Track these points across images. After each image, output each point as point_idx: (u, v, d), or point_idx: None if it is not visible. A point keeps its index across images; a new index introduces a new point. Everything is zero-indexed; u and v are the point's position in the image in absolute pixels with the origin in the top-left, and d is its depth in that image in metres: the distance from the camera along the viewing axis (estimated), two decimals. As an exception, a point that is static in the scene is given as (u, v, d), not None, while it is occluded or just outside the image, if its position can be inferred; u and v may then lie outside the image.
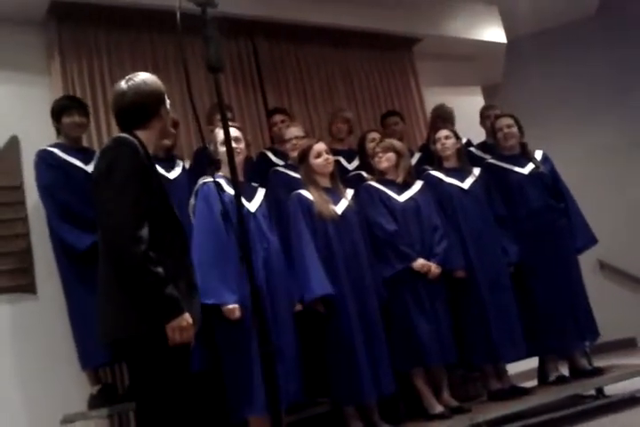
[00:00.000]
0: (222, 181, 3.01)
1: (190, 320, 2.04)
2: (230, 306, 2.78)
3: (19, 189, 3.63)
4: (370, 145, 4.15)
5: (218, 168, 3.22)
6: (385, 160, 3.73)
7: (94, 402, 3.21)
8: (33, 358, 3.47)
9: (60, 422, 3.17)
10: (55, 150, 3.43)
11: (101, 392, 3.21)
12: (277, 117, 4.31)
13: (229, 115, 3.80)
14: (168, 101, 2.30)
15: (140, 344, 2.03)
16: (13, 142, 3.70)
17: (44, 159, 3.39)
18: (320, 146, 3.43)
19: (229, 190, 2.97)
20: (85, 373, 3.27)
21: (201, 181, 3.07)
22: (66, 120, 3.45)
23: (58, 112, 3.45)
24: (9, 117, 3.75)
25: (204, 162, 3.69)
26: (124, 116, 2.23)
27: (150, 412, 2.04)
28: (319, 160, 3.39)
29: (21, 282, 3.52)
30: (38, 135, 3.73)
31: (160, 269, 1.99)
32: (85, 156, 3.40)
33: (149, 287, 1.98)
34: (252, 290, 1.84)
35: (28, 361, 3.46)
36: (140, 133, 2.20)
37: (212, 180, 2.99)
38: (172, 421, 2.04)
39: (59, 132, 3.52)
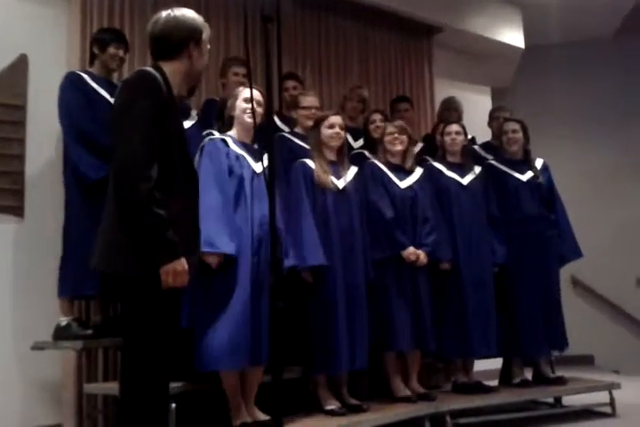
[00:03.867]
0: (229, 140, 2.95)
1: (186, 266, 2.00)
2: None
3: (22, 109, 3.49)
4: (371, 126, 4.13)
5: (229, 125, 3.16)
6: (400, 143, 3.70)
7: (59, 333, 3.13)
8: (9, 281, 3.38)
9: (31, 347, 3.11)
10: (85, 76, 3.34)
11: (69, 325, 3.13)
12: (290, 83, 4.22)
13: (243, 70, 3.72)
14: (207, 46, 2.25)
15: (133, 282, 1.99)
16: (22, 61, 3.54)
17: (72, 81, 3.29)
18: (337, 118, 3.41)
19: (235, 148, 2.93)
20: (60, 301, 3.20)
21: (207, 137, 3.00)
22: (112, 50, 3.37)
23: (106, 41, 3.37)
24: (21, 35, 3.59)
25: (212, 115, 3.62)
26: (153, 44, 2.20)
27: (136, 349, 2.01)
28: (330, 131, 3.37)
29: (10, 203, 3.39)
30: (49, 57, 3.63)
31: (162, 211, 1.94)
32: (113, 89, 3.28)
33: (149, 228, 1.94)
34: (272, 241, 1.78)
35: (4, 283, 3.37)
36: (166, 66, 2.15)
37: (218, 136, 2.92)
38: (156, 361, 2.01)
39: (92, 60, 3.44)
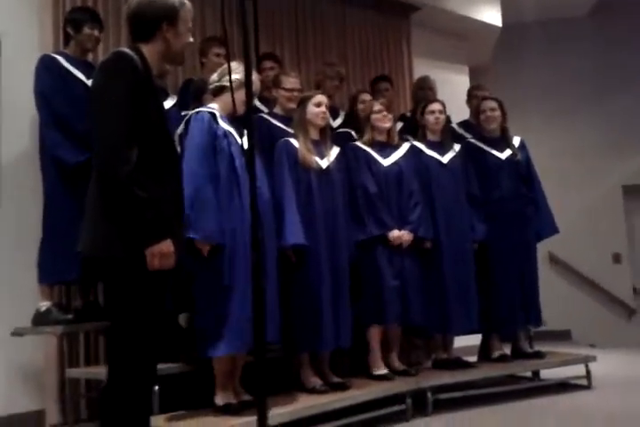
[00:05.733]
0: (217, 114, 2.92)
1: (171, 247, 1.98)
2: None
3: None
4: (360, 106, 4.11)
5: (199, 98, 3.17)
6: (388, 120, 3.72)
7: (39, 319, 3.11)
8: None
9: (11, 333, 3.08)
10: (60, 58, 3.26)
11: (49, 310, 3.11)
12: (267, 63, 4.18)
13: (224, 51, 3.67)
14: (187, 25, 2.18)
15: (118, 265, 1.98)
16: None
17: (47, 65, 3.21)
18: (323, 97, 3.43)
19: (222, 124, 2.89)
20: (39, 286, 3.17)
21: (194, 110, 2.96)
22: (87, 31, 3.30)
23: (80, 21, 3.29)
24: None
25: (189, 96, 3.58)
26: (129, 26, 2.17)
27: (121, 333, 1.99)
28: (317, 110, 3.37)
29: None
30: (21, 38, 3.53)
31: (144, 193, 1.93)
32: (89, 69, 3.21)
33: (131, 209, 1.92)
34: (252, 222, 1.79)
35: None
36: (144, 48, 2.12)
37: (206, 110, 2.89)
38: (143, 344, 2.00)
39: (67, 41, 3.36)
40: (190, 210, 2.61)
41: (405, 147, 3.80)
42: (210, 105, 2.98)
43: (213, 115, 2.89)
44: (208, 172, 2.77)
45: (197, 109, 2.93)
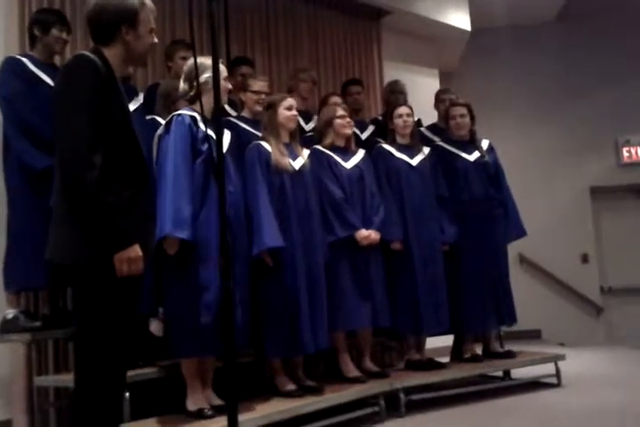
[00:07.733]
0: (197, 118, 2.90)
1: (140, 252, 1.96)
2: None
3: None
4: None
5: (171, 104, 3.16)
6: (351, 126, 3.73)
7: (6, 326, 3.05)
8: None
9: (-23, 341, 3.03)
10: (25, 61, 3.18)
11: (16, 318, 3.05)
12: (244, 69, 4.16)
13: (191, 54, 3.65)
14: (148, 27, 2.14)
15: (87, 272, 1.95)
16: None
17: (12, 67, 3.14)
18: (293, 100, 3.44)
19: (202, 127, 2.87)
20: (6, 293, 3.11)
21: (175, 113, 2.93)
22: (55, 33, 3.23)
23: (48, 23, 3.22)
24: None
25: (155, 100, 3.54)
26: (89, 28, 2.13)
27: (89, 339, 1.97)
28: (288, 113, 3.37)
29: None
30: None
31: (112, 198, 1.91)
32: (56, 73, 3.14)
33: (98, 216, 1.90)
34: (221, 224, 1.78)
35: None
36: (105, 51, 2.09)
37: (187, 113, 2.87)
38: (111, 351, 1.98)
39: (33, 43, 3.28)
40: (171, 209, 2.65)
41: (362, 152, 3.81)
42: (191, 107, 2.97)
43: (194, 118, 2.88)
44: (189, 173, 2.76)
45: (179, 112, 2.91)
